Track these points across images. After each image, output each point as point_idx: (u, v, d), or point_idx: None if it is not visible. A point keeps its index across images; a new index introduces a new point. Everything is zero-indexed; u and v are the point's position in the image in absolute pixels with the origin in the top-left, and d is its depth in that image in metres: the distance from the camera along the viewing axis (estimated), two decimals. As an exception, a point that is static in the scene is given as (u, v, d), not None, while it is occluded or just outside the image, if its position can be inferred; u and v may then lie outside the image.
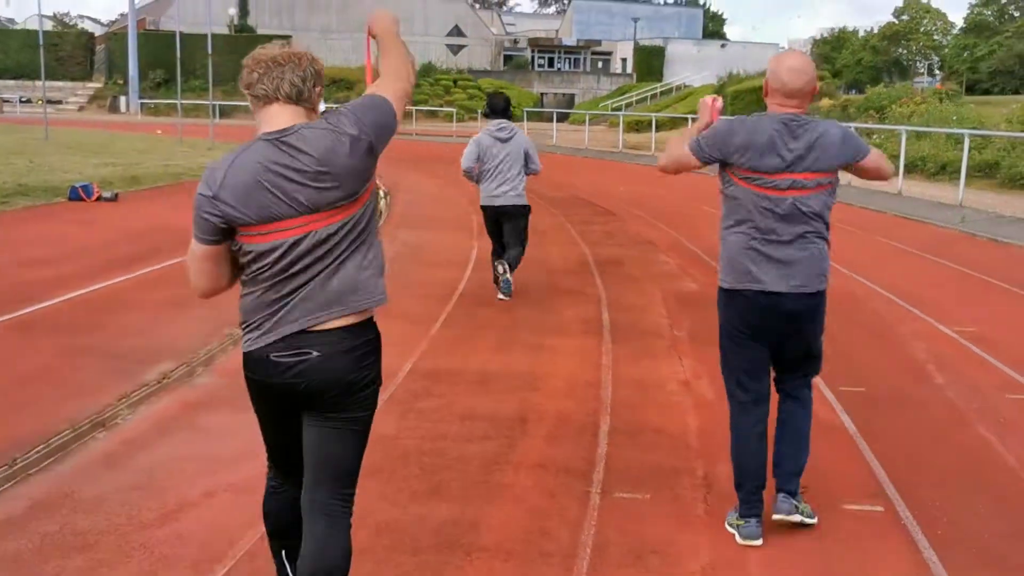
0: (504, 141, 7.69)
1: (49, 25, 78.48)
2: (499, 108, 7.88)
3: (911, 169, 19.01)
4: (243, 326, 2.58)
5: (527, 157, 7.82)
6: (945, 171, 19.97)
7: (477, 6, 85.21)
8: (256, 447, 2.96)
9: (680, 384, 5.66)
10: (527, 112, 40.65)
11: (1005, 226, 12.58)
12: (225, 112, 52.61)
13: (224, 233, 2.51)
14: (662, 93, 52.42)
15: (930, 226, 13.22)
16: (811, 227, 3.54)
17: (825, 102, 29.99)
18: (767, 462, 3.67)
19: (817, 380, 5.70)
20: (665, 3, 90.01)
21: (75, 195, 13.67)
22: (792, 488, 3.67)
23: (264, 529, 2.92)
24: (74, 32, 65.32)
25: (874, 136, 22.79)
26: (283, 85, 2.49)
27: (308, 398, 2.56)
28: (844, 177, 3.83)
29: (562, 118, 47.02)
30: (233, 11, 62.37)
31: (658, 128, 32.09)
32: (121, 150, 23.65)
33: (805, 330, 3.69)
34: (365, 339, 2.58)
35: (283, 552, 2.84)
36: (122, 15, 61.65)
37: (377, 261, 2.61)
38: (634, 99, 52.57)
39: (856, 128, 20.35)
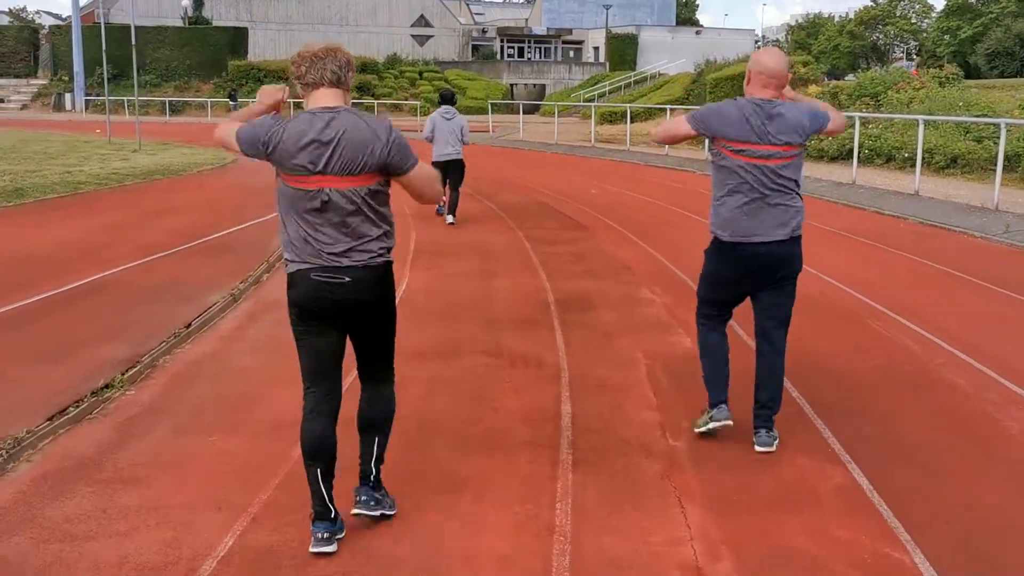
0: (448, 120, 11.60)
1: (5, 20, 75.12)
2: (447, 98, 11.92)
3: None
4: (287, 250, 3.31)
5: (462, 131, 11.69)
6: (956, 164, 17.75)
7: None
8: None
9: (688, 574, 3.29)
10: (492, 105, 38.02)
11: (1061, 237, 10.32)
12: (177, 109, 49.73)
13: (254, 157, 3.29)
14: (636, 82, 50.04)
15: (962, 236, 10.95)
16: (789, 188, 4.22)
17: (812, 89, 27.71)
18: (729, 361, 4.56)
19: (903, 537, 3.42)
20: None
21: (-76, 215, 11.16)
22: (768, 425, 4.40)
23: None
24: (15, 26, 61.90)
25: (869, 125, 20.53)
26: (326, 73, 3.23)
27: (347, 312, 3.33)
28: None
29: (533, 110, 44.68)
30: (187, 2, 59.30)
31: (633, 119, 29.73)
32: (30, 154, 21.00)
33: (787, 274, 4.33)
34: (382, 271, 3.35)
35: (318, 472, 3.32)
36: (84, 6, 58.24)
37: (390, 223, 3.35)
38: (607, 89, 50.19)
39: (859, 118, 18.07)
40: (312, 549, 3.33)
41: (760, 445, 4.32)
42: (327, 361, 3.38)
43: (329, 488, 3.33)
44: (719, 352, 4.54)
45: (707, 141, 4.38)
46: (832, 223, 11.87)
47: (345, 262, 3.24)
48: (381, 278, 3.34)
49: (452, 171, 11.50)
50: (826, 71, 62.22)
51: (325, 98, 3.23)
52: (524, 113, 35.85)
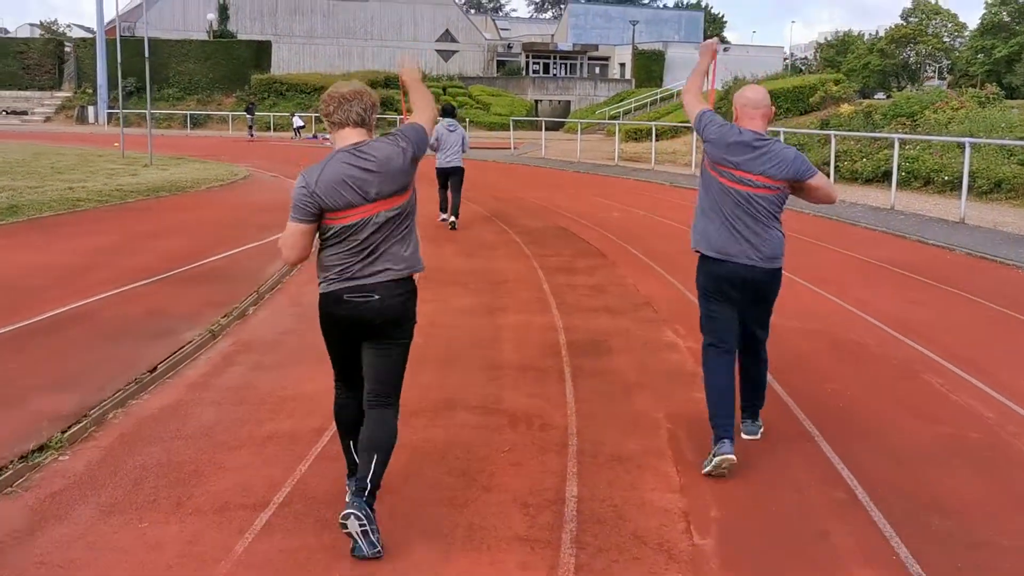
0: (451, 132, 13.14)
1: (37, 33, 75.48)
2: (449, 112, 13.78)
3: (957, 187, 15.64)
4: (322, 273, 3.60)
5: (463, 143, 13.28)
6: (1000, 189, 16.80)
7: (472, 12, 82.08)
8: None
9: None
10: (515, 121, 37.25)
11: None
12: (198, 122, 49.49)
13: (315, 216, 3.52)
14: (662, 99, 49.23)
15: (1017, 271, 10.05)
16: (764, 219, 4.37)
17: (845, 108, 26.80)
18: (736, 403, 4.43)
19: None
20: (664, 6, 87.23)
21: (-97, 235, 10.54)
22: (754, 416, 4.76)
23: (336, 429, 3.93)
24: (41, 39, 62.04)
25: (906, 146, 19.56)
26: (351, 115, 3.56)
27: (369, 327, 3.59)
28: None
29: (557, 126, 43.97)
30: (212, 16, 59.23)
31: (658, 137, 28.90)
32: (37, 168, 20.48)
33: (763, 298, 4.52)
34: (409, 288, 3.64)
35: (350, 443, 3.83)
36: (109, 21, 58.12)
37: (416, 240, 3.69)
38: (633, 106, 49.47)
39: (897, 139, 17.14)
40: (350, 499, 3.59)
41: (746, 434, 4.71)
42: (353, 362, 3.70)
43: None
44: (723, 381, 4.45)
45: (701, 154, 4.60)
46: (872, 254, 11.00)
47: (375, 279, 3.53)
48: (409, 293, 3.63)
49: (453, 177, 13.13)
50: (857, 89, 61.05)
51: (352, 136, 3.57)
52: (547, 130, 35.09)
